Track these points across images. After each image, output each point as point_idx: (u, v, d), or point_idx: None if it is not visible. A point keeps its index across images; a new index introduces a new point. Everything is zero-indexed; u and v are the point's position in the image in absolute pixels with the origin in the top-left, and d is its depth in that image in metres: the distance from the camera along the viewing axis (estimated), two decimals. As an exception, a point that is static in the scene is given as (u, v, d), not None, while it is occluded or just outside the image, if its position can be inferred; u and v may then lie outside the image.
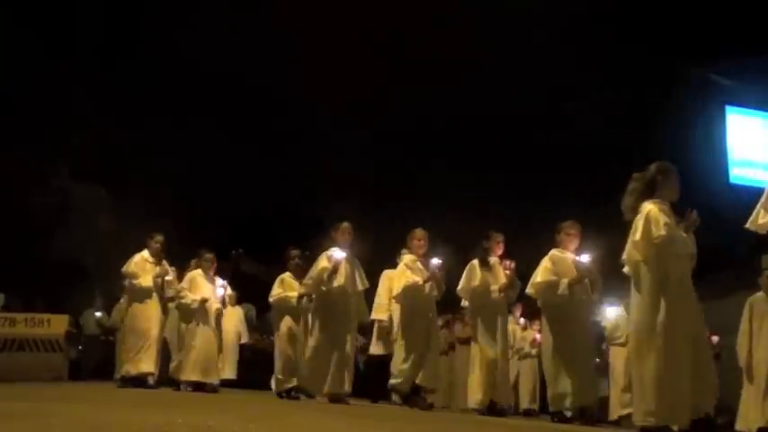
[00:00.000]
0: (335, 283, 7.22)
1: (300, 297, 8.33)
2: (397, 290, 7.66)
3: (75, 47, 16.68)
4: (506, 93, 16.55)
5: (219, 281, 9.32)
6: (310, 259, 8.03)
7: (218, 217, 16.80)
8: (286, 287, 8.68)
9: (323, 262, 7.35)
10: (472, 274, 7.26)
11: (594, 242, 6.89)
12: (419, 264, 7.62)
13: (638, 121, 15.57)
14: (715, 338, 8.93)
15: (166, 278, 8.95)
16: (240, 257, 10.04)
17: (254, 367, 12.19)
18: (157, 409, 4.63)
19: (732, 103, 15.21)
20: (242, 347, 12.02)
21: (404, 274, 7.62)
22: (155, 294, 8.88)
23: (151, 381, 8.65)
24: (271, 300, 8.72)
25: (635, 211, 5.10)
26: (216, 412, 4.75)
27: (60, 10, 16.56)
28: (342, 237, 7.46)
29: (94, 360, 12.76)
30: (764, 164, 14.52)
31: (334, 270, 7.21)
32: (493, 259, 7.31)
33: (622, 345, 8.59)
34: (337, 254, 7.25)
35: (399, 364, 7.41)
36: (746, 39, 14.46)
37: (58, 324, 11.71)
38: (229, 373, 11.40)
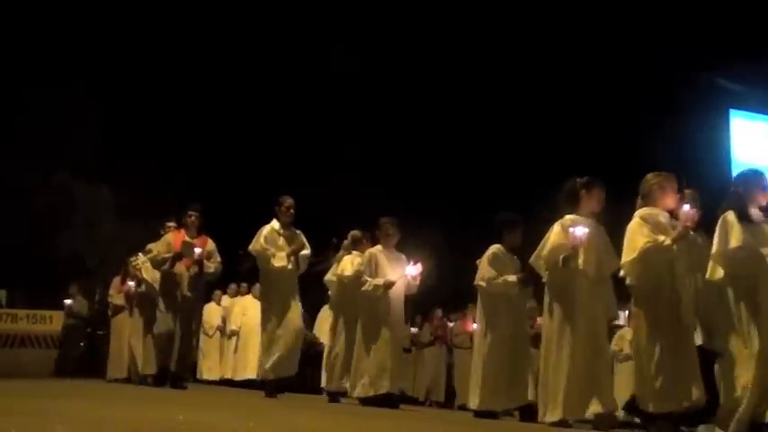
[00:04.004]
0: (573, 266, 5.29)
1: (522, 281, 6.23)
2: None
3: (78, 45, 16.72)
4: (508, 91, 16.62)
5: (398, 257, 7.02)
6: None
7: (224, 212, 16.81)
8: (504, 269, 6.35)
9: (556, 235, 5.44)
10: (729, 232, 4.83)
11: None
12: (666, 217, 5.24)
13: (642, 125, 15.56)
14: None
15: (302, 253, 7.20)
16: None
17: None
18: (158, 406, 4.63)
19: (736, 107, 15.18)
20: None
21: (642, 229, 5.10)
22: (293, 277, 7.15)
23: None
24: (483, 284, 6.33)
25: None
26: (216, 409, 4.75)
27: (60, 8, 16.62)
28: (589, 201, 5.50)
29: (72, 355, 11.73)
30: (769, 168, 14.49)
31: (575, 252, 5.27)
32: (755, 212, 4.98)
33: None
34: (579, 230, 5.25)
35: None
36: (752, 42, 14.43)
37: (59, 321, 11.73)
38: (252, 372, 10.55)
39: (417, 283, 6.95)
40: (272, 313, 7.04)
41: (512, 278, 6.23)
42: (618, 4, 15.97)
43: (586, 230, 5.26)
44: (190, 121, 17.72)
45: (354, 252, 7.51)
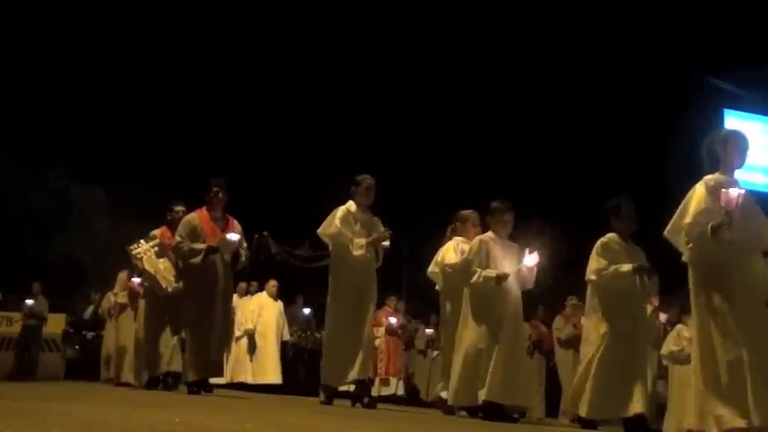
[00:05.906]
0: (726, 236, 4.24)
1: (639, 270, 5.35)
2: None
3: (75, 47, 16.70)
4: (508, 93, 16.64)
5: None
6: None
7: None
8: (619, 259, 5.48)
9: (701, 199, 4.42)
10: None
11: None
12: None
13: (636, 125, 15.60)
14: None
15: (384, 244, 6.16)
16: (268, 240, 8.04)
17: (297, 368, 11.39)
18: (155, 409, 4.61)
19: (731, 108, 15.23)
20: (283, 345, 11.17)
21: None
22: (371, 269, 6.14)
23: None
24: (593, 277, 5.51)
25: None
26: (213, 412, 4.73)
27: (57, 10, 16.62)
28: (736, 155, 4.54)
29: (33, 357, 11.21)
30: (763, 168, 14.51)
31: (729, 217, 4.22)
32: None
33: None
34: (734, 190, 4.26)
35: None
36: (746, 43, 14.49)
37: (55, 324, 11.69)
38: (273, 376, 10.54)
39: (534, 276, 5.95)
40: (344, 311, 6.13)
41: (625, 267, 5.33)
42: (613, 7, 16.04)
43: (743, 191, 4.26)
44: (185, 121, 17.72)
45: (458, 238, 6.51)
